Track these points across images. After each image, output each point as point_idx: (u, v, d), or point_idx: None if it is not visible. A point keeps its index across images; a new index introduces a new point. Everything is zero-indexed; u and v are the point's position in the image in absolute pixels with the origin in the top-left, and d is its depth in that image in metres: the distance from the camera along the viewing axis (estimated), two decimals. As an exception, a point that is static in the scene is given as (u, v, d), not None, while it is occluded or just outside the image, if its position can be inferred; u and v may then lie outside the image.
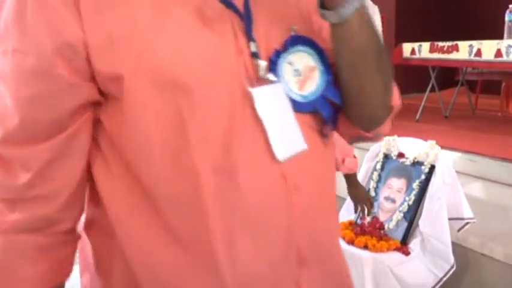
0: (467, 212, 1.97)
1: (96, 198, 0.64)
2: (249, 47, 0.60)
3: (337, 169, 1.75)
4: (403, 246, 1.95)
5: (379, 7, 4.27)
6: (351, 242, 2.00)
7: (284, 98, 0.61)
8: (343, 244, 2.01)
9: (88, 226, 0.68)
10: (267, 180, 0.60)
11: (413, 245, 1.95)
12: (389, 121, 0.74)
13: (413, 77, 5.55)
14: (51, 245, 0.63)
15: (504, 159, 2.91)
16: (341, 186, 3.18)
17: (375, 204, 2.14)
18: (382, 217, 2.10)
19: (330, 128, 0.68)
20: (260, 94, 0.59)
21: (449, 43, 3.80)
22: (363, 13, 0.60)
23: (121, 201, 0.60)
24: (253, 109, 0.58)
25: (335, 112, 0.67)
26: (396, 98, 0.71)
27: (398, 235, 2.00)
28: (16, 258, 0.61)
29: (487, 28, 4.44)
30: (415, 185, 2.01)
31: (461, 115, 4.66)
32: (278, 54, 0.62)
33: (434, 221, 1.90)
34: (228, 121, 0.58)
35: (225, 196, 0.58)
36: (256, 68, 0.60)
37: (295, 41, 0.63)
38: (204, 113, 0.57)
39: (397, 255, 1.92)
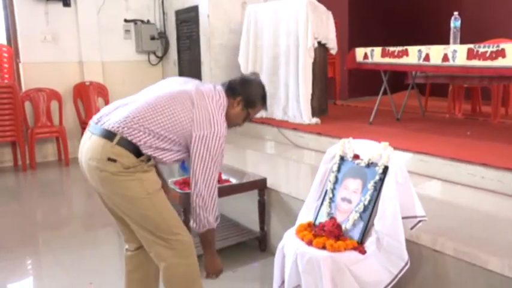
0: (419, 211, 2.05)
1: None
2: None
3: None
4: (359, 246, 2.00)
5: (333, 13, 4.38)
6: (309, 243, 2.03)
7: None
8: (302, 245, 2.04)
9: None
10: None
11: (369, 243, 2.00)
12: None
13: (366, 81, 5.72)
14: None
15: (452, 159, 3.05)
16: (306, 191, 3.20)
17: (333, 205, 2.19)
18: (339, 218, 2.14)
19: None
20: None
21: (400, 48, 3.94)
22: None
23: None
24: None
25: None
26: None
27: (355, 235, 2.05)
28: None
29: (434, 34, 4.64)
30: (370, 185, 2.06)
31: (412, 117, 4.83)
32: None
33: (388, 220, 1.95)
34: None
35: None
36: None
37: None
38: None
39: (354, 254, 1.97)
